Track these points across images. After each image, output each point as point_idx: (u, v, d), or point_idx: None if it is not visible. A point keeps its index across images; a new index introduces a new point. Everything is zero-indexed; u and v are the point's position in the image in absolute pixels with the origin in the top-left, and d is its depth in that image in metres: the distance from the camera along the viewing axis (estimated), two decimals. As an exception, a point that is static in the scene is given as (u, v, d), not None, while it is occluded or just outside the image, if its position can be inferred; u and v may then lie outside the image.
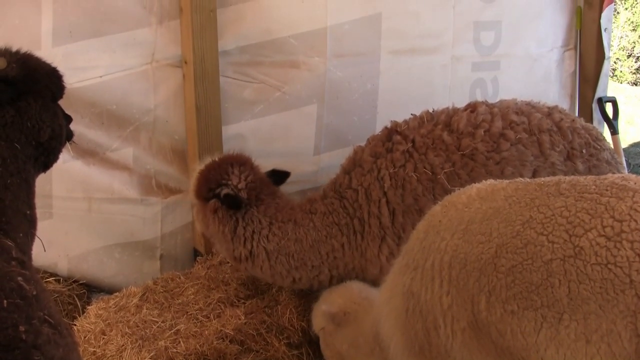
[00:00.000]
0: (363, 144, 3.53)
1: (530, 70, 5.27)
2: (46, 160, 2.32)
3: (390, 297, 2.35)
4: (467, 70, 4.92)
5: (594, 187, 1.93)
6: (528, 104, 3.45)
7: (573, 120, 3.39)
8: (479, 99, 4.23)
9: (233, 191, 3.29)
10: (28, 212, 2.12)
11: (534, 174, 3.15)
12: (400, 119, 3.50)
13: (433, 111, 3.47)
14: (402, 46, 4.61)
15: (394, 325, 2.32)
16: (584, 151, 3.25)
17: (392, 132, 3.40)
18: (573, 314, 1.80)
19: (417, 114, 3.50)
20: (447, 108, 3.46)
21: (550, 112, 3.38)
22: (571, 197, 1.93)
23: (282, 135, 4.39)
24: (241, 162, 3.41)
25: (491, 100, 3.57)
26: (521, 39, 5.14)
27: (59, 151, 2.40)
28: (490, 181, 2.26)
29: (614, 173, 2.41)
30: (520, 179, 2.24)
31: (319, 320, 2.94)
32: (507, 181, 2.22)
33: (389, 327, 2.36)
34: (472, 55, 4.89)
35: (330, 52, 4.34)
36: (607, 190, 1.89)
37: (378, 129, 4.27)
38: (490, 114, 3.31)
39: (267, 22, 4.17)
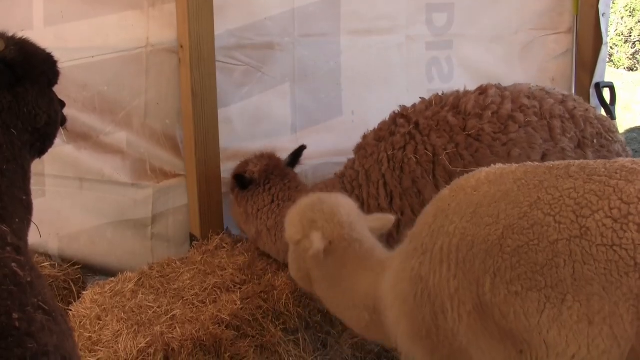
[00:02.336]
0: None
1: (486, 51, 5.24)
2: (42, 146, 2.33)
3: (397, 282, 2.33)
4: (422, 49, 5.00)
5: (603, 169, 1.92)
6: (542, 89, 3.41)
7: (587, 110, 3.35)
8: (435, 77, 4.63)
9: (247, 174, 3.71)
10: (24, 197, 2.12)
11: (543, 158, 3.12)
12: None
13: (443, 94, 3.48)
14: (360, 27, 4.71)
15: (400, 311, 2.30)
16: (595, 141, 3.22)
17: (398, 115, 3.45)
18: (576, 295, 1.80)
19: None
20: (457, 91, 3.46)
21: (564, 99, 3.34)
22: (580, 180, 1.92)
23: (265, 116, 4.49)
24: (262, 153, 3.86)
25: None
26: (475, 21, 5.13)
27: (54, 137, 2.41)
28: (500, 165, 2.25)
29: None
30: (530, 162, 2.23)
31: (294, 232, 2.59)
32: (517, 165, 2.21)
33: (396, 312, 2.33)
34: (424, 35, 4.97)
35: (297, 32, 4.47)
36: (616, 173, 1.89)
37: (344, 106, 4.60)
38: (501, 96, 3.29)
39: (248, 5, 4.26)
